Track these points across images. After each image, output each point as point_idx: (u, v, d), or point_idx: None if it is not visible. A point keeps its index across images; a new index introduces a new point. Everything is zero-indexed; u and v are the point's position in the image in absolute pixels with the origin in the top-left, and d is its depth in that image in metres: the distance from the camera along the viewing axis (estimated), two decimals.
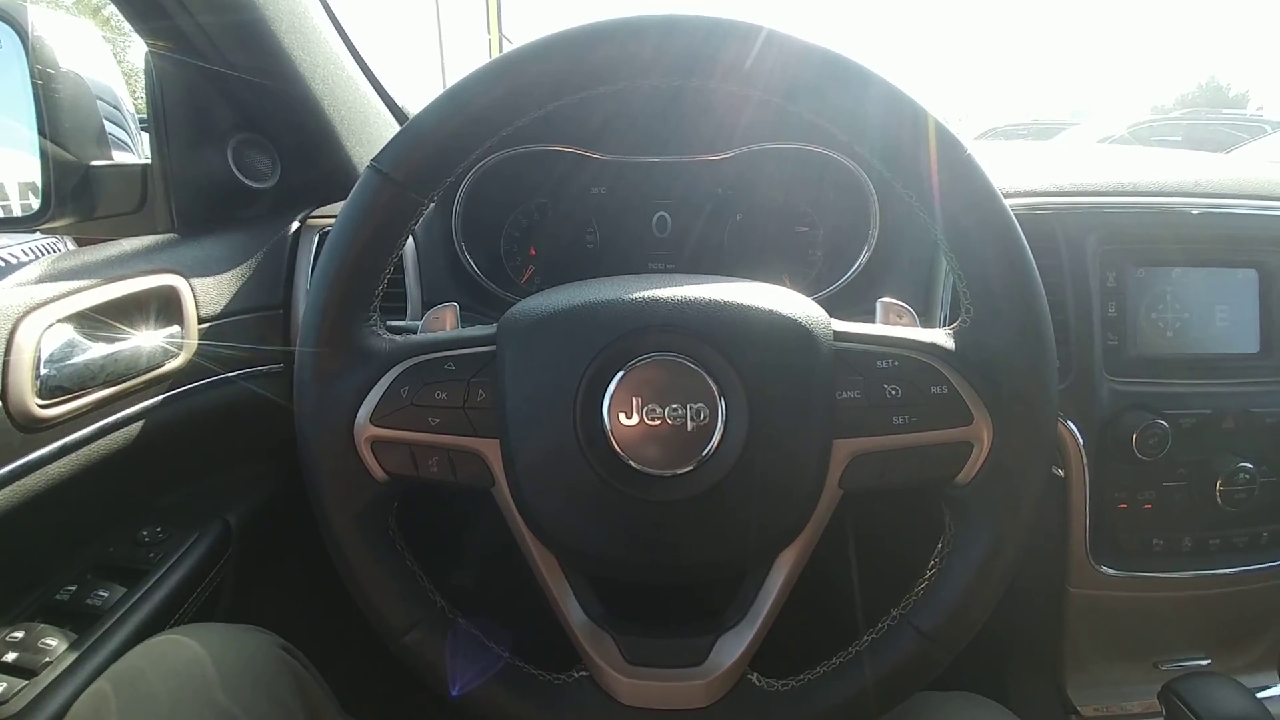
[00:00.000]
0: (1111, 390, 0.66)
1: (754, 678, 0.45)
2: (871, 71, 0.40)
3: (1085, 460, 0.66)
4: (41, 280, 0.56)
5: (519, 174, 0.81)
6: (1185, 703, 0.55)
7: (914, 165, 0.41)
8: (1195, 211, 0.68)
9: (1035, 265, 0.42)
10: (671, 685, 0.44)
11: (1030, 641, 0.79)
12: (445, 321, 0.49)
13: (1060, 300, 0.65)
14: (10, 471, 0.50)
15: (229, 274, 0.69)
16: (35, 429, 0.52)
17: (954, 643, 0.43)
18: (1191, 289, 0.68)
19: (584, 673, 0.46)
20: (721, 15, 0.40)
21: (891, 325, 0.47)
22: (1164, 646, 0.75)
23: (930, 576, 0.44)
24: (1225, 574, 0.70)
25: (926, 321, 0.68)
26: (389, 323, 0.46)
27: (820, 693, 0.44)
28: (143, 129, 0.73)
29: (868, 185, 0.77)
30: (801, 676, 0.45)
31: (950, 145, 0.41)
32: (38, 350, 0.52)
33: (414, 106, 0.90)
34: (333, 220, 0.77)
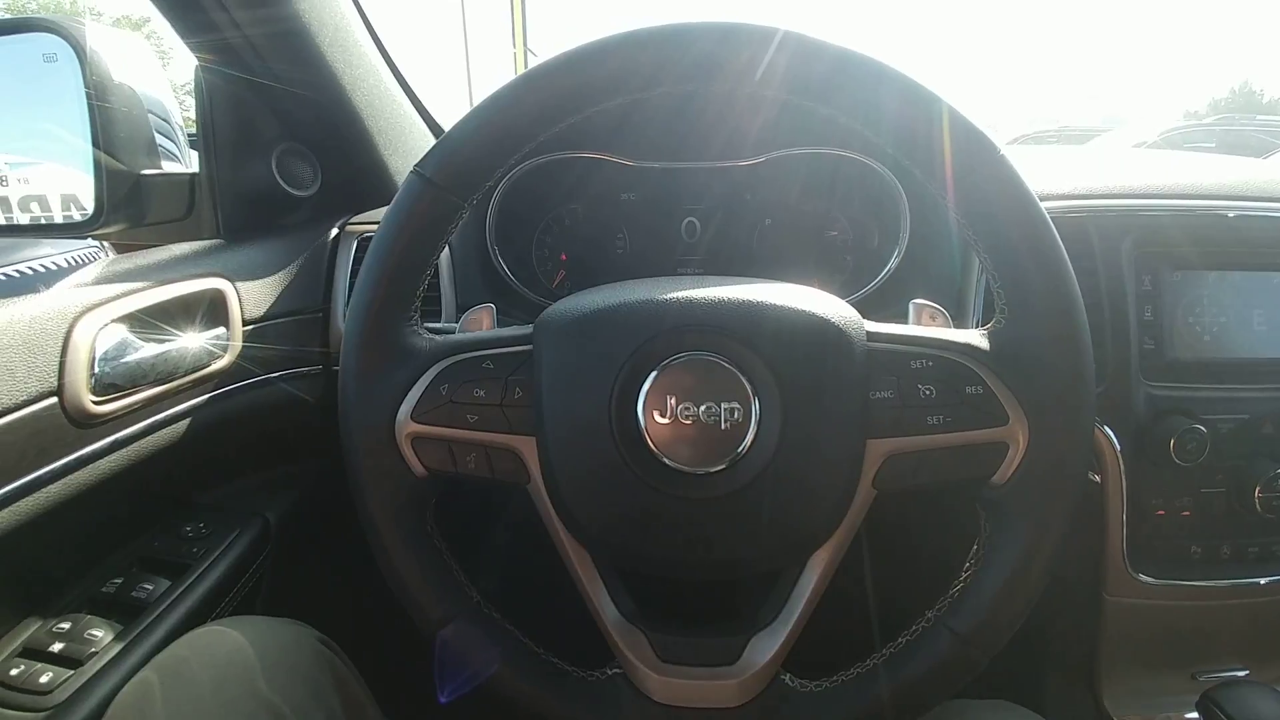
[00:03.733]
0: (1148, 395, 0.66)
1: (787, 678, 0.45)
2: (890, 68, 0.41)
3: (1122, 466, 0.65)
4: (97, 283, 0.58)
5: (551, 180, 0.83)
6: (1225, 712, 0.54)
7: (933, 159, 0.41)
8: (1231, 215, 0.67)
9: (1070, 264, 0.42)
10: (705, 684, 0.44)
11: (1066, 650, 0.77)
12: (482, 322, 0.51)
13: (1095, 304, 0.65)
14: (64, 465, 0.52)
15: (272, 278, 0.71)
16: (89, 424, 0.54)
17: (990, 646, 0.43)
18: (1229, 293, 0.67)
19: (617, 670, 0.46)
20: (736, 20, 0.41)
21: (925, 326, 0.47)
22: (1202, 656, 0.74)
23: (966, 578, 0.44)
24: (1264, 583, 0.68)
25: (959, 325, 0.67)
26: (426, 325, 0.48)
27: (854, 694, 0.44)
28: (191, 144, 0.76)
29: (898, 189, 0.77)
30: (835, 678, 0.45)
31: (983, 146, 0.41)
32: (93, 349, 0.54)
33: (443, 117, 0.92)
34: (370, 226, 0.79)
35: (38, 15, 0.71)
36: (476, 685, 0.45)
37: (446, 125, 0.42)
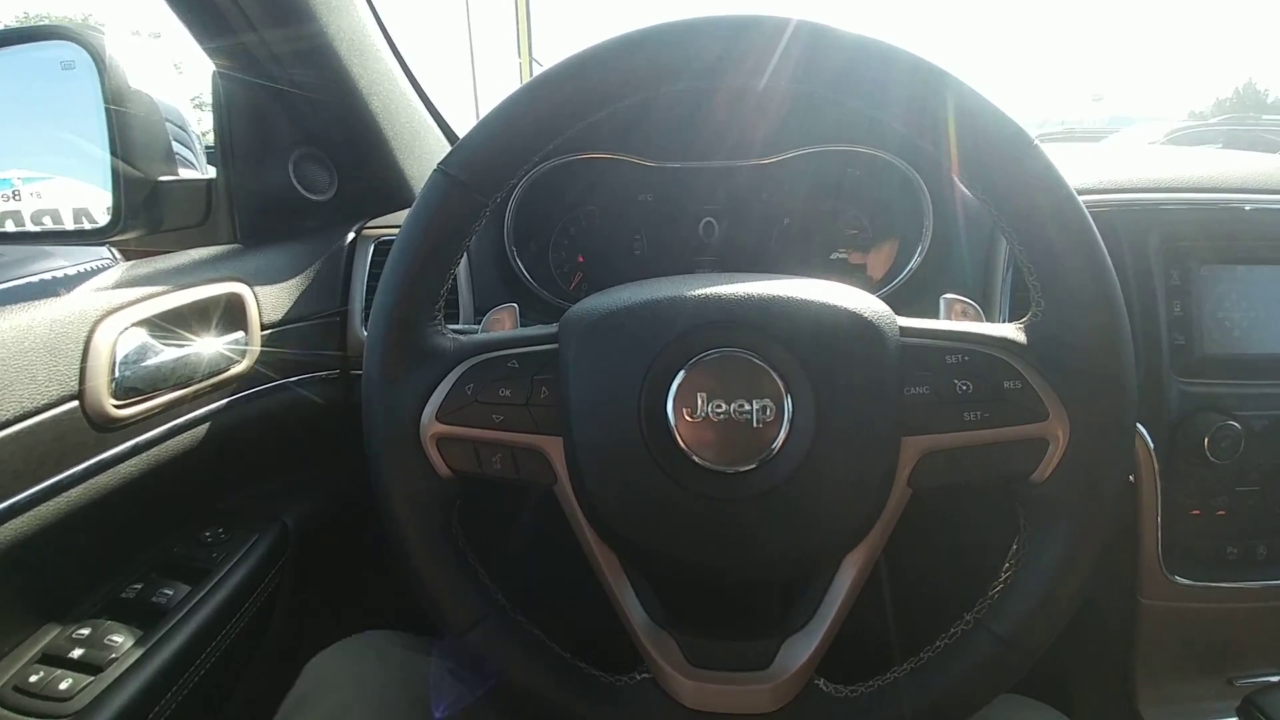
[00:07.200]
0: (1180, 392, 0.64)
1: (821, 683, 0.44)
2: (921, 58, 0.40)
3: (1155, 465, 0.64)
4: (118, 287, 0.58)
5: (568, 182, 0.83)
6: (1270, 718, 0.52)
7: (962, 152, 0.40)
8: (1249, 208, 0.66)
9: (1108, 255, 0.41)
10: (736, 689, 0.43)
11: (1100, 655, 0.76)
12: (505, 323, 0.50)
13: (1124, 299, 0.64)
14: (85, 469, 0.52)
15: (290, 283, 0.71)
16: (110, 428, 0.54)
17: (1033, 648, 0.42)
18: (1260, 287, 0.66)
19: (646, 674, 0.45)
20: (745, 13, 0.41)
21: (957, 321, 0.46)
22: (1239, 660, 0.72)
23: (1006, 579, 0.43)
24: None
25: (988, 319, 0.66)
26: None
27: (892, 700, 0.43)
28: (207, 150, 0.76)
29: (920, 185, 0.76)
30: (871, 682, 0.44)
31: (1019, 139, 0.40)
32: (114, 352, 0.54)
33: (453, 123, 0.92)
34: (386, 230, 0.79)
35: (56, 24, 0.71)
36: (494, 692, 0.44)
37: (459, 132, 0.42)
